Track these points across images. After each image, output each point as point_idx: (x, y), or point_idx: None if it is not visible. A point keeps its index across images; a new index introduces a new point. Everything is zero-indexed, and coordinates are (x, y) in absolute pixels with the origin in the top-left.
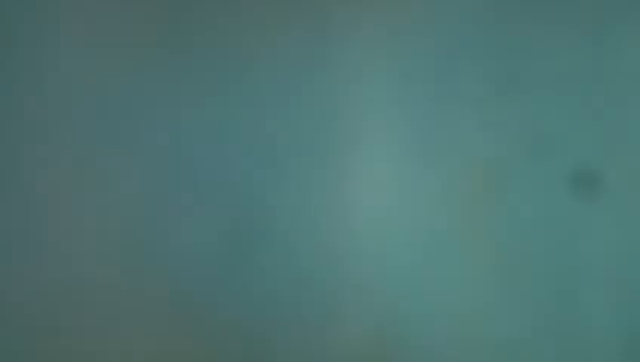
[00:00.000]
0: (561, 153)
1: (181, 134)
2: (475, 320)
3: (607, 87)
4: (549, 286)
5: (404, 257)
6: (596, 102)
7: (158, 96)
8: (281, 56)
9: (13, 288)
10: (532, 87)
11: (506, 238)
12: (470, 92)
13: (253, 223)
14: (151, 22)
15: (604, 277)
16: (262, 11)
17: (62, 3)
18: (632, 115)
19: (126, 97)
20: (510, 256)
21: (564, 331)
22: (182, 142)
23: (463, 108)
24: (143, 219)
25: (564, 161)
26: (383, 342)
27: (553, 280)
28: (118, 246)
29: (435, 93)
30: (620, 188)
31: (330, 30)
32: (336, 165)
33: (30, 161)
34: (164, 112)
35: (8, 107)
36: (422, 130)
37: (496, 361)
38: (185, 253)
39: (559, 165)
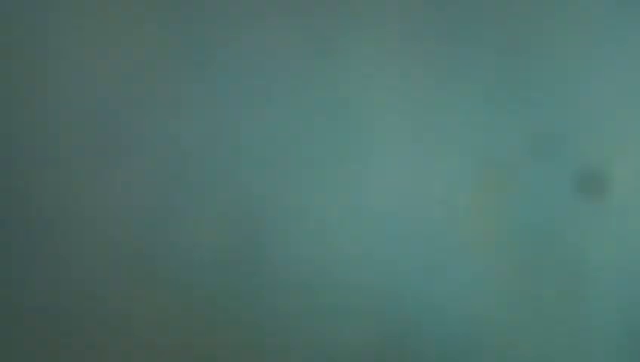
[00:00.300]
0: (565, 153)
1: (187, 134)
2: (478, 319)
3: (610, 86)
4: (552, 286)
5: (410, 257)
6: (600, 101)
7: (163, 97)
8: (285, 56)
9: (17, 290)
10: (536, 87)
11: (510, 238)
12: (474, 92)
13: (258, 224)
14: (155, 22)
15: (608, 277)
16: (265, 12)
17: (64, 3)
18: (636, 115)
19: (131, 99)
20: (514, 255)
21: (568, 330)
22: (187, 141)
23: (467, 108)
24: (147, 220)
25: (569, 160)
26: (388, 343)
27: (557, 280)
28: (122, 247)
29: (439, 93)
30: (624, 188)
31: (334, 31)
32: (341, 166)
33: (31, 162)
34: (170, 112)
35: (13, 108)
36: (426, 130)
37: (500, 360)
38: (190, 254)
39: (563, 165)
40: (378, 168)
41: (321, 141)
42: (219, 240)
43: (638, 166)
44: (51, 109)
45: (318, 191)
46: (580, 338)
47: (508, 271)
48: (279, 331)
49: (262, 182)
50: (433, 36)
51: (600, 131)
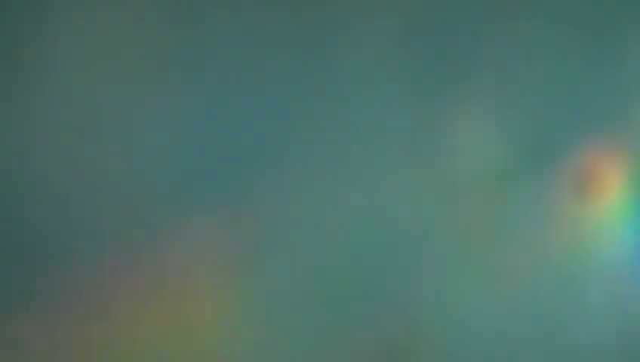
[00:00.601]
0: (562, 155)
1: (185, 135)
2: (477, 321)
3: (609, 88)
4: (551, 287)
5: (409, 258)
6: (598, 103)
7: (162, 97)
8: (284, 56)
9: (17, 291)
10: (534, 89)
11: (508, 239)
12: (472, 94)
13: (258, 224)
14: (155, 23)
15: (605, 277)
16: (264, 13)
17: (63, 4)
18: (635, 116)
19: (130, 99)
20: (512, 256)
21: (567, 331)
22: (185, 143)
23: (464, 110)
24: (146, 220)
25: (566, 162)
26: (387, 343)
27: (556, 281)
28: (122, 247)
29: (438, 93)
30: (622, 190)
31: (331, 33)
32: (337, 168)
33: (31, 163)
34: (168, 112)
35: (12, 108)
36: (423, 132)
37: (499, 359)
38: (189, 255)
39: (561, 167)
40: (377, 168)
41: (319, 142)
42: (218, 241)
43: (638, 166)
44: (52, 110)
45: (317, 192)
46: (579, 337)
47: (508, 270)
48: (280, 332)
49: (261, 183)
50: (433, 36)
51: (600, 133)
